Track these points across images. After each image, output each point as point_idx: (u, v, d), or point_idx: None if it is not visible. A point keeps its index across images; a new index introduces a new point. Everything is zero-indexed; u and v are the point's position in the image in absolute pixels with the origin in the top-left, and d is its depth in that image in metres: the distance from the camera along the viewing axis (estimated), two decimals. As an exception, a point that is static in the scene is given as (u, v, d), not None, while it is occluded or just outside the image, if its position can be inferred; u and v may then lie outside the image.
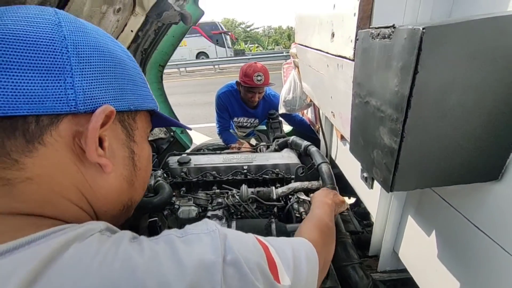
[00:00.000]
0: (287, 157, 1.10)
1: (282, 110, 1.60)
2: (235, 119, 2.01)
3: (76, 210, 0.30)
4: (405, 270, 0.85)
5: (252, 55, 13.14)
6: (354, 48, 0.50)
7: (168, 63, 1.57)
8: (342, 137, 0.75)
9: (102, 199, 0.32)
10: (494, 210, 0.45)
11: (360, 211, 1.31)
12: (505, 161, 0.42)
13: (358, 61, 0.47)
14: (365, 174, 0.52)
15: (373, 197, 0.85)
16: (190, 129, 0.50)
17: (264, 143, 1.43)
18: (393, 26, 0.35)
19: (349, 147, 0.58)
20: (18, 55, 0.25)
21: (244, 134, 2.17)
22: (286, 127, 2.06)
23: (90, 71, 0.29)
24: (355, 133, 0.53)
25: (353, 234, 1.06)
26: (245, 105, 1.92)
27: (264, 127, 2.11)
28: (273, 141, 1.35)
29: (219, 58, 13.63)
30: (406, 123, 0.35)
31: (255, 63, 1.78)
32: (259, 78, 1.71)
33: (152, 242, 0.28)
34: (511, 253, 0.42)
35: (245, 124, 2.04)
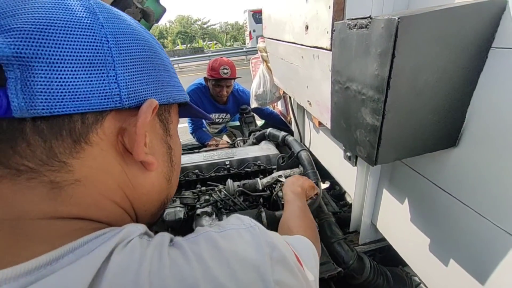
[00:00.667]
0: (267, 149, 1.13)
1: (254, 104, 1.63)
2: None
3: (120, 212, 0.29)
4: (382, 239, 0.95)
5: (212, 53, 12.92)
6: (331, 38, 0.54)
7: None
8: (320, 124, 0.80)
9: (144, 198, 0.31)
10: (454, 172, 0.53)
11: (336, 193, 1.41)
12: (460, 129, 0.49)
13: (336, 51, 0.51)
14: (348, 154, 0.57)
15: (349, 178, 0.93)
16: (212, 119, 0.48)
17: (241, 138, 1.45)
18: (370, 17, 0.39)
19: (331, 131, 0.63)
20: (61, 48, 0.22)
21: (216, 130, 2.16)
22: (258, 122, 2.10)
23: (131, 62, 0.26)
24: (336, 118, 0.58)
25: (333, 214, 1.14)
26: (215, 102, 1.92)
27: (236, 123, 2.13)
28: (249, 135, 1.37)
29: (178, 57, 13.18)
30: (387, 102, 0.40)
31: (221, 57, 1.80)
32: (225, 71, 1.73)
33: (191, 243, 0.27)
34: (469, 205, 0.51)
35: (216, 120, 2.03)
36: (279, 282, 0.26)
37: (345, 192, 1.34)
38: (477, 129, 0.47)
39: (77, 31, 0.23)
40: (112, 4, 1.10)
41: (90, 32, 0.24)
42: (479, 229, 0.50)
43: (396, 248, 0.82)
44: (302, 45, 0.71)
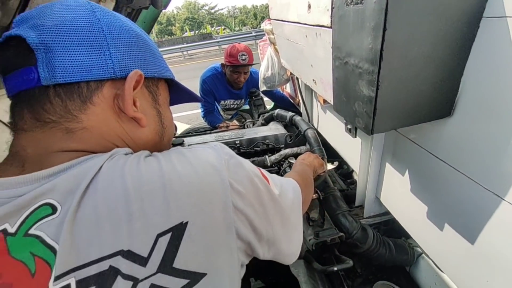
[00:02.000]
0: (275, 129, 1.17)
1: (262, 87, 1.65)
2: (222, 102, 2.05)
3: None
4: (386, 213, 0.99)
5: (220, 38, 12.77)
6: (331, 16, 0.56)
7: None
8: (325, 102, 0.83)
9: (143, 147, 0.40)
10: (450, 141, 0.56)
11: (343, 172, 1.45)
12: (454, 99, 0.52)
13: (335, 27, 0.54)
14: (349, 126, 0.61)
15: (355, 154, 0.96)
16: (202, 101, 0.57)
17: (250, 120, 1.50)
18: (364, -7, 0.42)
19: (333, 107, 0.66)
20: (71, 37, 0.33)
21: (230, 116, 2.22)
22: (268, 107, 2.13)
23: (121, 45, 0.36)
24: (338, 92, 0.61)
25: (340, 192, 1.18)
26: (230, 87, 1.97)
27: (246, 107, 2.17)
28: (259, 117, 1.41)
29: (187, 44, 13.12)
30: (380, 74, 0.43)
31: (239, 43, 1.83)
32: (243, 57, 1.77)
33: (164, 154, 0.35)
34: (463, 172, 0.54)
35: (232, 106, 2.08)
36: (235, 180, 0.34)
37: (352, 170, 1.37)
38: (471, 99, 0.49)
39: (81, 25, 0.33)
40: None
41: (90, 25, 0.34)
42: (473, 194, 0.53)
43: (399, 220, 0.86)
44: (305, 24, 0.73)
